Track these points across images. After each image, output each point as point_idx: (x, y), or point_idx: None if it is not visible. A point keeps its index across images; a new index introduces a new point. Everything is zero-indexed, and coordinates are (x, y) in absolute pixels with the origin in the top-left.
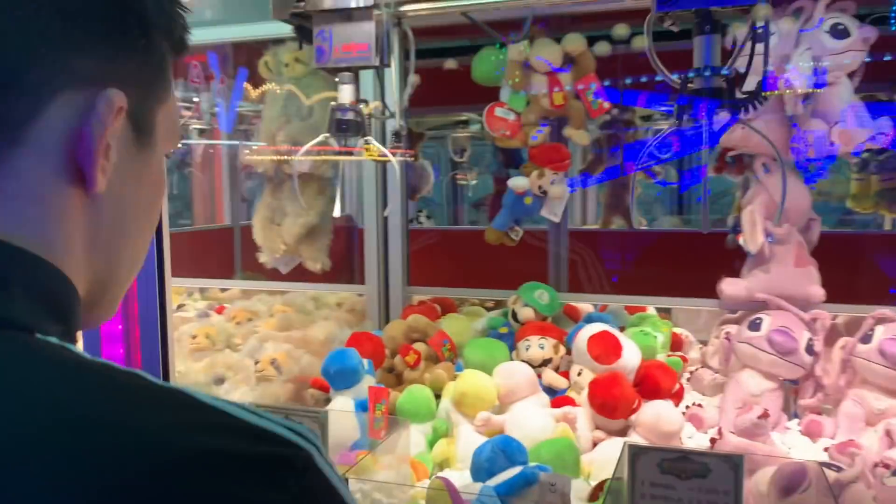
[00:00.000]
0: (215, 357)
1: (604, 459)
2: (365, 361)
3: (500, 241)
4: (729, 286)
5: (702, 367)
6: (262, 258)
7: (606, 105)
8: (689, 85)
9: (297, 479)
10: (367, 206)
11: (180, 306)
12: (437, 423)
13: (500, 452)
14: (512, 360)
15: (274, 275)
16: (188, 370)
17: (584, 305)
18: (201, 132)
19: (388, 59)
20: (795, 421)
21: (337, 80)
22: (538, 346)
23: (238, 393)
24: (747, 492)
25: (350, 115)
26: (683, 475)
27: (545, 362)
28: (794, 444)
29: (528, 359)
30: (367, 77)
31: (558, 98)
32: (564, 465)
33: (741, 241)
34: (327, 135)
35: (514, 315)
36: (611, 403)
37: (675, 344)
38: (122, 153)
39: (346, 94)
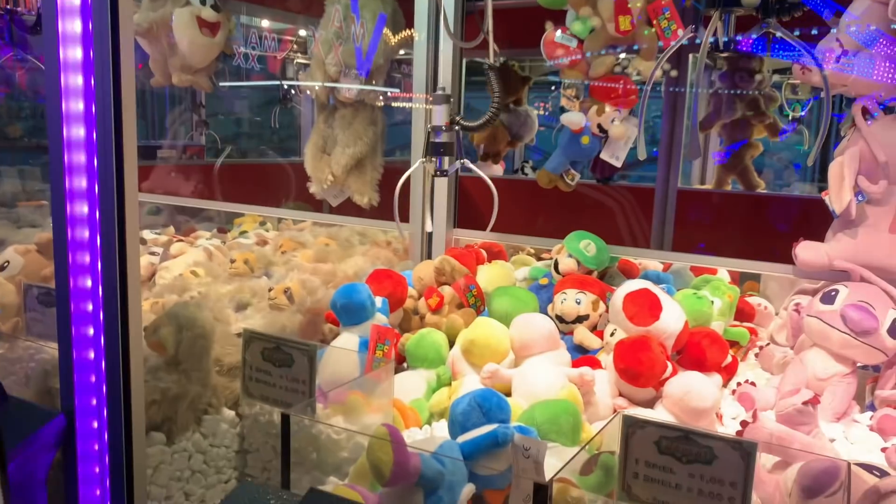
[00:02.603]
0: (244, 283)
1: (617, 431)
2: (379, 299)
3: (553, 184)
4: (805, 250)
5: (772, 344)
6: (312, 188)
7: (681, 32)
8: None
9: None
10: (414, 144)
11: (243, 233)
12: (440, 370)
13: (476, 407)
14: (546, 313)
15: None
16: (215, 293)
17: (651, 262)
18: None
19: None
20: (868, 414)
21: (430, 100)
22: (574, 300)
23: (254, 320)
24: (773, 488)
25: (445, 138)
26: (685, 458)
27: (580, 318)
28: (858, 440)
29: (562, 313)
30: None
31: (625, 23)
32: (559, 429)
33: (826, 199)
34: (423, 159)
35: (557, 266)
36: (634, 369)
37: (746, 313)
38: None
39: (439, 115)
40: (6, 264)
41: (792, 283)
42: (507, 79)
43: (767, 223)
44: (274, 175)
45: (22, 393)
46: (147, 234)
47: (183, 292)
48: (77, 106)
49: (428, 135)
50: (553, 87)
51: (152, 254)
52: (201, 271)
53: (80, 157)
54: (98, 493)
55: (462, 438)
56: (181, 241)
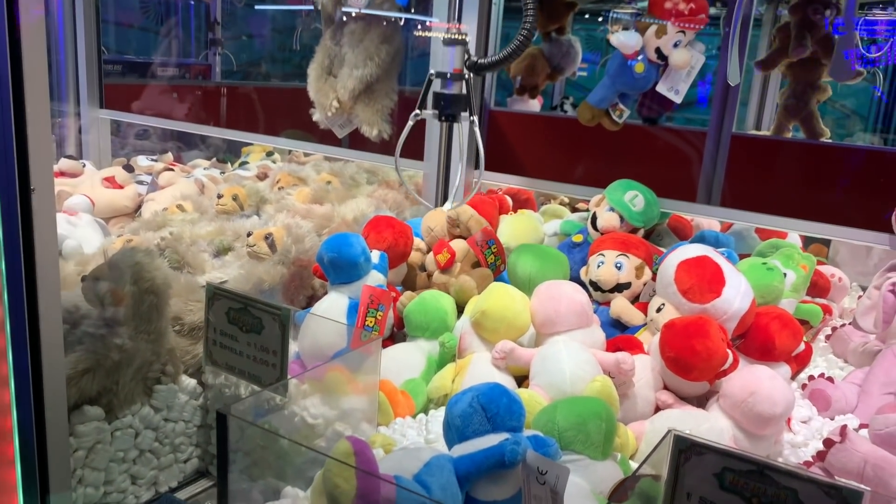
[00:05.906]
0: (227, 224)
1: (661, 437)
2: (376, 254)
3: (597, 121)
4: None
5: (850, 325)
6: (315, 116)
7: None
8: None
9: None
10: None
11: (243, 164)
12: (445, 338)
13: (479, 409)
14: (578, 278)
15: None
16: (191, 234)
17: (708, 221)
18: None
19: None
20: None
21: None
22: (614, 264)
23: (231, 269)
24: None
25: (455, 89)
26: (755, 499)
27: (619, 287)
28: None
29: (598, 279)
30: None
31: None
32: (587, 438)
33: None
34: (416, 112)
35: (595, 221)
36: (687, 359)
37: (819, 287)
38: None
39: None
40: None
41: (865, 253)
42: (550, 3)
43: (834, 178)
44: (285, 101)
45: None
46: (142, 161)
47: (160, 229)
48: None
49: (428, 82)
50: (601, 18)
51: (140, 182)
52: (189, 206)
53: None
54: (13, 478)
55: (458, 451)
56: (172, 169)
